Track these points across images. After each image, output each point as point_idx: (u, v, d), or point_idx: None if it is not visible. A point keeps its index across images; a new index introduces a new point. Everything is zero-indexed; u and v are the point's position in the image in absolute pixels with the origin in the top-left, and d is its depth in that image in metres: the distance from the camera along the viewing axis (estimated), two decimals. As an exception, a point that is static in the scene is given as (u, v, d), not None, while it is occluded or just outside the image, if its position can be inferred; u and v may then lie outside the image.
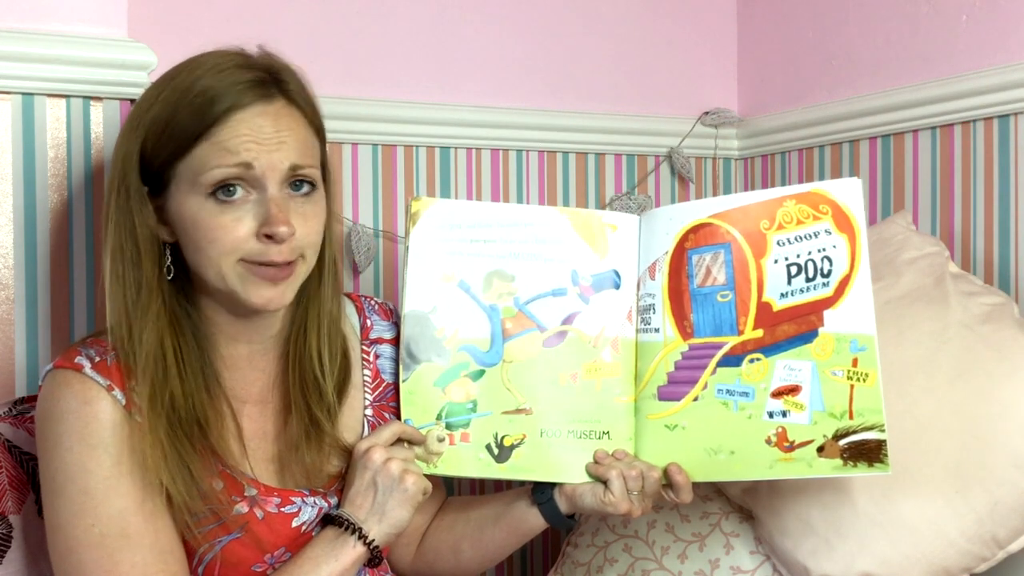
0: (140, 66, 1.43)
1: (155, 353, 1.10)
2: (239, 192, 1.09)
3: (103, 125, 1.43)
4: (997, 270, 1.56)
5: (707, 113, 2.01)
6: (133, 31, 1.46)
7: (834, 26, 1.84)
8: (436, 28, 1.81)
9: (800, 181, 1.91)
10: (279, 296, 1.12)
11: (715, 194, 2.04)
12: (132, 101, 1.47)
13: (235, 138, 1.08)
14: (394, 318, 1.32)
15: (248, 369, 1.19)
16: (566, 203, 1.92)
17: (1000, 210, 1.56)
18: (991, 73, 1.54)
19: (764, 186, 2.00)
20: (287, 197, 1.11)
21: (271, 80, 1.12)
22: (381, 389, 1.27)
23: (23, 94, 1.38)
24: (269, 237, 1.09)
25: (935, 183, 1.66)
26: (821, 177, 1.87)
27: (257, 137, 1.09)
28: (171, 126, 1.09)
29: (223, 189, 1.08)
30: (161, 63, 1.45)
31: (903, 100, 1.68)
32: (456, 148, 1.83)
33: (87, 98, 1.42)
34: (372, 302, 1.33)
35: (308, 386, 1.20)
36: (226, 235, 1.09)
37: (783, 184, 1.95)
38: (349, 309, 1.30)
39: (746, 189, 2.05)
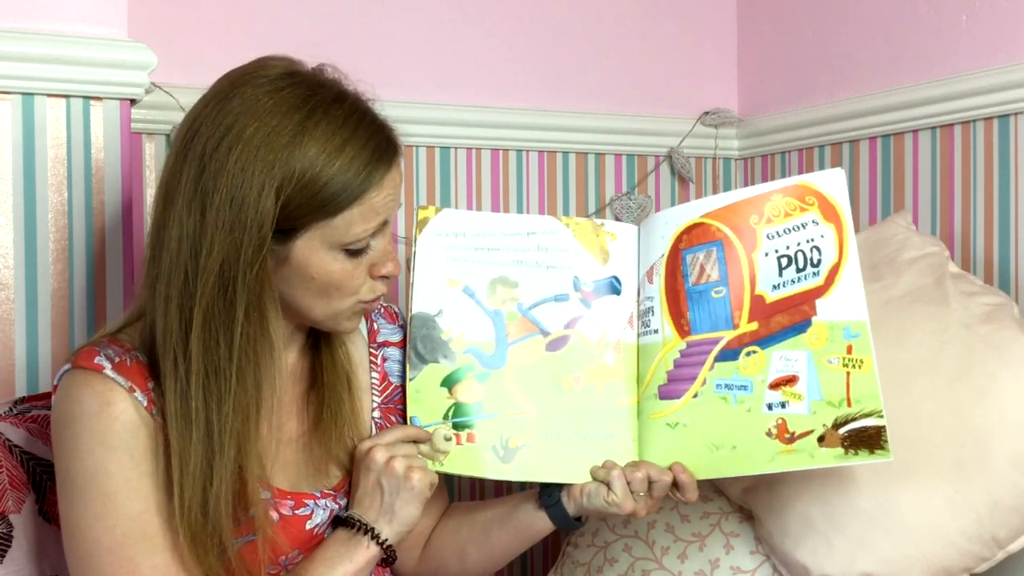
0: (140, 66, 1.43)
1: (256, 395, 1.08)
2: (370, 245, 1.11)
3: (103, 125, 1.43)
4: (997, 270, 1.56)
5: (707, 113, 2.01)
6: (133, 31, 1.46)
7: (834, 26, 1.84)
8: (436, 28, 1.81)
9: (800, 181, 1.92)
10: (360, 322, 1.20)
11: (715, 194, 2.04)
12: (132, 101, 1.48)
13: (384, 199, 1.09)
14: (399, 321, 1.33)
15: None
16: (566, 203, 1.92)
17: (1000, 210, 1.56)
18: (991, 73, 1.54)
19: (764, 186, 2.00)
20: None
21: (391, 129, 1.13)
22: (389, 392, 1.28)
23: (23, 94, 1.39)
24: (384, 277, 1.14)
25: (935, 183, 1.66)
26: (821, 177, 1.87)
27: (396, 194, 1.11)
28: (325, 188, 1.05)
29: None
30: (161, 63, 1.46)
31: (903, 100, 1.68)
32: (456, 148, 1.83)
33: (87, 98, 1.42)
34: (378, 306, 1.33)
35: (337, 366, 1.22)
36: (353, 283, 1.12)
37: (783, 184, 1.95)
38: None
39: (746, 189, 2.05)
